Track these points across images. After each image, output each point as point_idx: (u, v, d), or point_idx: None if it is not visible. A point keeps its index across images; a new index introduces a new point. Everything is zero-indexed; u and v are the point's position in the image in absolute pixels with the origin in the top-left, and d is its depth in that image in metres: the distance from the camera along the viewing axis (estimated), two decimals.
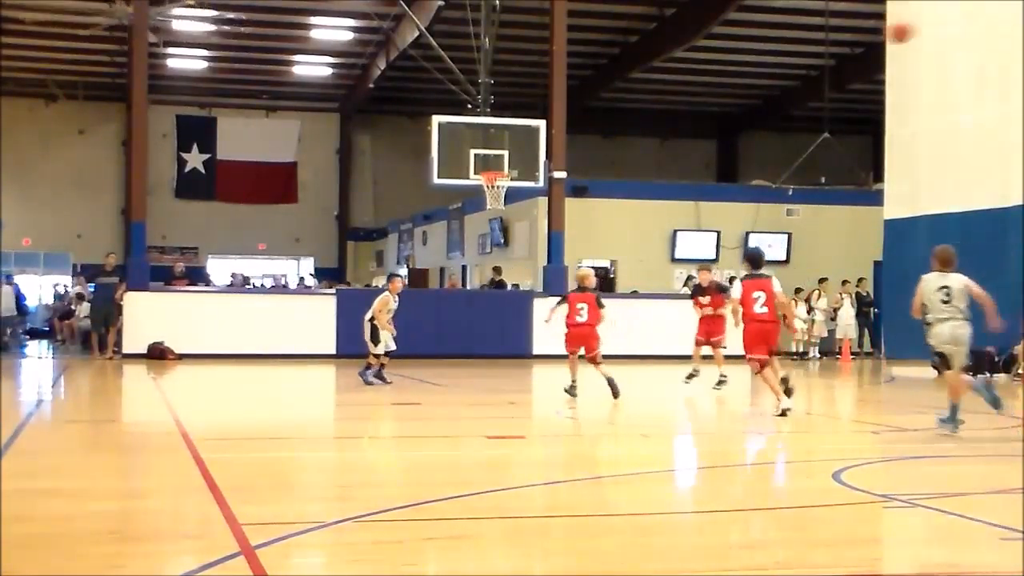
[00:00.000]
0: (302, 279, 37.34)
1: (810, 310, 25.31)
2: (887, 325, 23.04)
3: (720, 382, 15.20)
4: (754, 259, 12.68)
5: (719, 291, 16.06)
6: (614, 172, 34.89)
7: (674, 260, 28.16)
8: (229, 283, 30.93)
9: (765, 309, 11.93)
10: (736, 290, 12.42)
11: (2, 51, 30.07)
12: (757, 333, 12.00)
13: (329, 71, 35.71)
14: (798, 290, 25.14)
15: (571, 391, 13.61)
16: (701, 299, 16.23)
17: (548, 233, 24.11)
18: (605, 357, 13.43)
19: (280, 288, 32.23)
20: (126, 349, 21.42)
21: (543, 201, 24.93)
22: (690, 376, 15.58)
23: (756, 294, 11.96)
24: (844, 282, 25.74)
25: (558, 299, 14.32)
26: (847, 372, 20.79)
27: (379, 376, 15.06)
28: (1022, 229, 18.61)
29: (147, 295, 21.94)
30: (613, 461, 9.00)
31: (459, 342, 21.94)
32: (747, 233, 28.80)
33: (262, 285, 33.64)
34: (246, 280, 32.29)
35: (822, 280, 23.90)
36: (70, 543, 5.26)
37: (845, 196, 28.96)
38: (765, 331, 11.98)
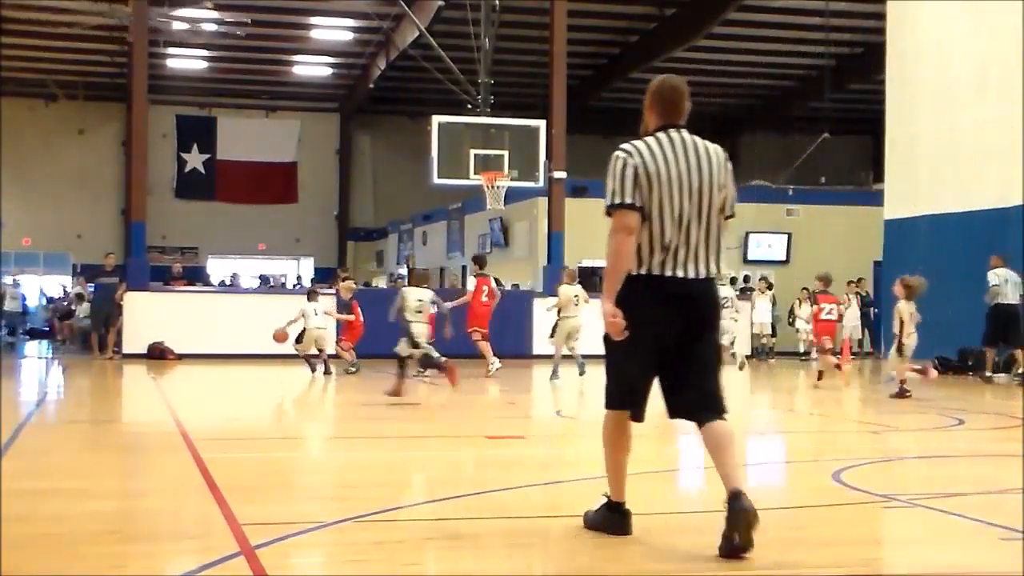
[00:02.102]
0: (299, 279, 37.32)
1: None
2: (887, 325, 23.05)
3: None
4: (480, 260, 18.65)
5: None
6: None
7: None
8: (228, 283, 30.92)
9: (487, 299, 17.70)
10: (471, 284, 18.22)
11: (2, 51, 30.08)
12: (481, 315, 17.64)
13: (329, 71, 35.73)
14: (804, 290, 25.12)
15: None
16: None
17: (548, 233, 24.11)
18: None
19: (280, 288, 32.22)
20: (126, 349, 21.43)
21: (543, 201, 24.93)
22: None
23: (484, 287, 17.74)
24: (849, 282, 25.71)
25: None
26: (847, 372, 20.76)
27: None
28: (1022, 229, 18.62)
29: (147, 295, 21.95)
30: None
31: (459, 342, 21.88)
32: (747, 233, 28.82)
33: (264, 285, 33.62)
34: (233, 280, 32.14)
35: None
36: (70, 543, 5.26)
37: (845, 196, 28.97)
38: (484, 314, 17.64)
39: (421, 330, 13.35)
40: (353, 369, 17.67)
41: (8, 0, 26.75)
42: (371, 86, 35.02)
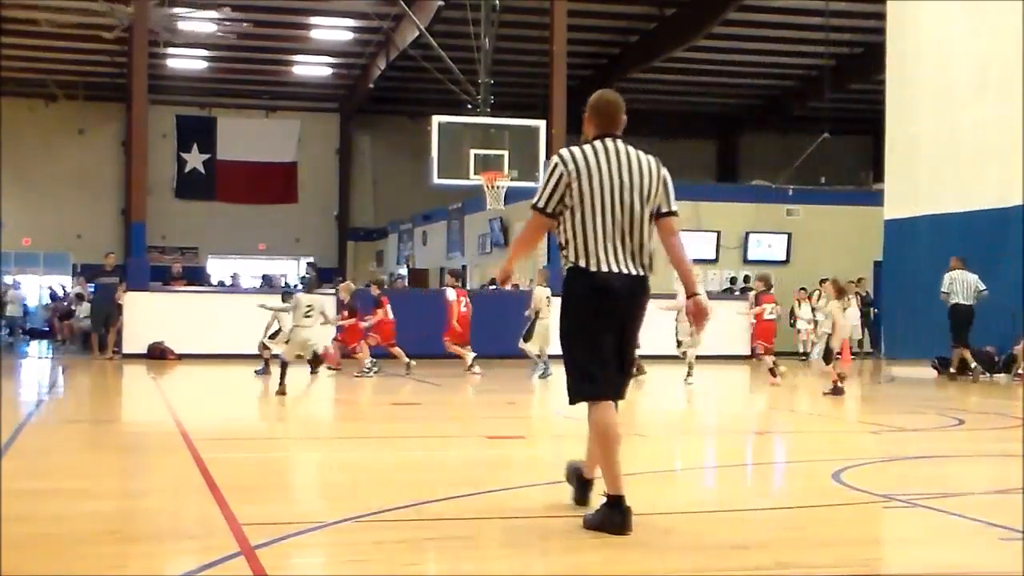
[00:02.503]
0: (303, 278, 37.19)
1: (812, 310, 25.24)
2: (887, 325, 23.05)
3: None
4: (456, 274, 19.85)
5: None
6: None
7: None
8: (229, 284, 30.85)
9: (465, 309, 18.43)
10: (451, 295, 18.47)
11: (2, 51, 30.08)
12: (464, 326, 18.32)
13: (329, 71, 35.73)
14: (803, 289, 25.13)
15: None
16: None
17: (548, 233, 24.09)
18: None
19: (280, 288, 32.16)
20: (126, 349, 21.43)
21: None
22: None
23: (462, 298, 18.51)
24: (849, 282, 25.68)
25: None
26: (847, 372, 20.76)
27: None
28: (1022, 229, 18.62)
29: (147, 295, 21.95)
30: None
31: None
32: (747, 233, 28.82)
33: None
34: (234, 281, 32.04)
35: (823, 281, 23.86)
36: (70, 543, 5.26)
37: (845, 196, 28.97)
38: (466, 325, 18.35)
39: (308, 334, 14.22)
40: (367, 370, 17.27)
41: (8, 0, 26.76)
42: (371, 86, 35.02)
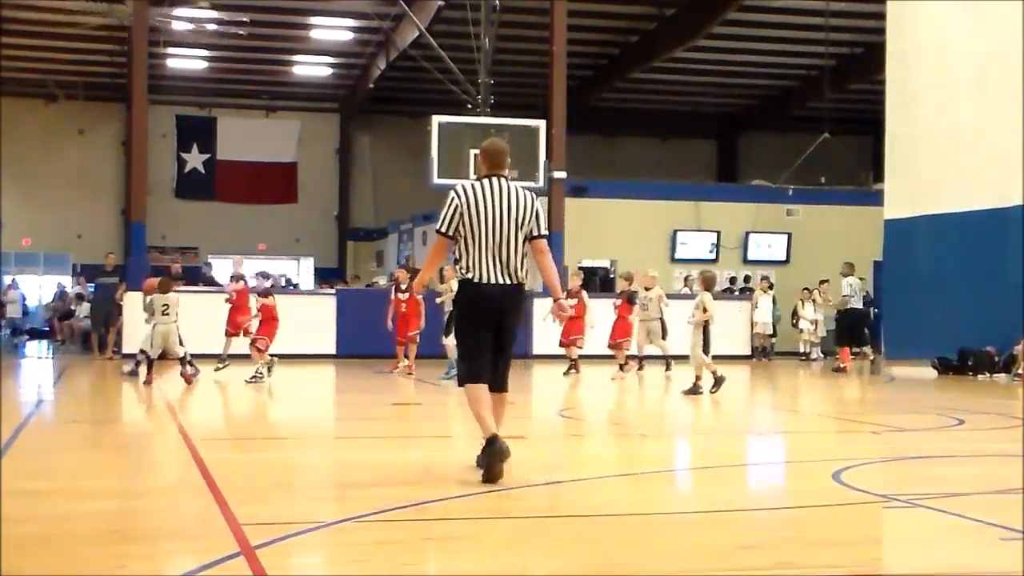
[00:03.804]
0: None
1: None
2: (887, 325, 23.05)
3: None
4: (410, 269, 19.37)
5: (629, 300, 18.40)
6: (614, 172, 34.88)
7: (674, 260, 28.16)
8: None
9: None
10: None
11: (2, 51, 30.07)
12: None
13: (329, 71, 35.71)
14: (805, 289, 25.11)
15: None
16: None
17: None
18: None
19: (280, 288, 32.21)
20: (126, 349, 21.41)
21: (543, 201, 24.91)
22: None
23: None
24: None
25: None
26: (847, 372, 20.77)
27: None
28: (1022, 229, 18.63)
29: None
30: (613, 461, 9.01)
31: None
32: (747, 233, 28.82)
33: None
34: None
35: (823, 281, 23.92)
36: (70, 543, 5.26)
37: (845, 196, 28.96)
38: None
39: (163, 331, 15.39)
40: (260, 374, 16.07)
41: (8, 0, 26.75)
42: (371, 86, 34.99)
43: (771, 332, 24.81)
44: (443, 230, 7.31)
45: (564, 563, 5.14)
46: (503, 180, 7.31)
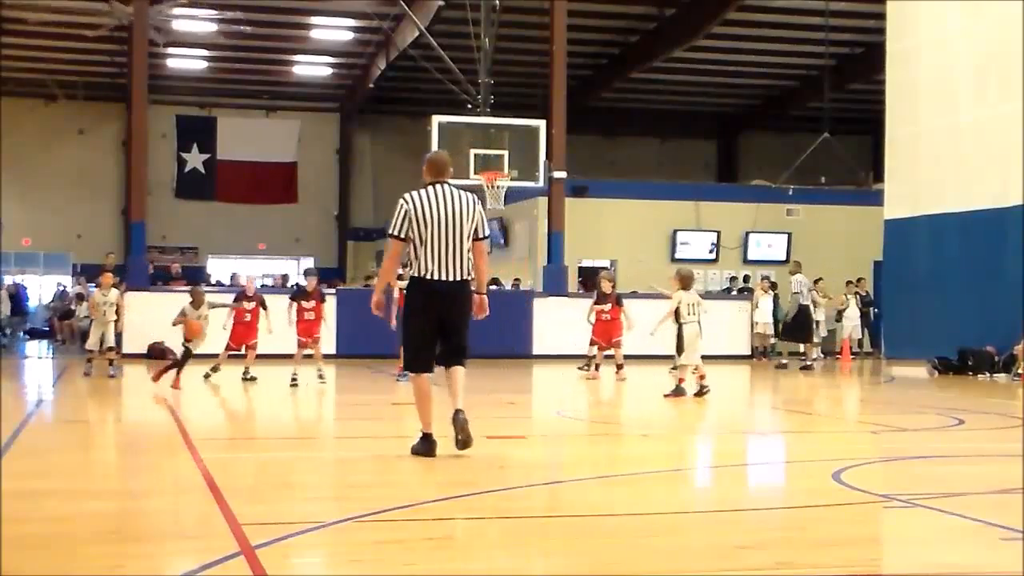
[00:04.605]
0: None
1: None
2: (887, 325, 23.06)
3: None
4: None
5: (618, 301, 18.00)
6: (614, 172, 34.90)
7: (674, 260, 28.14)
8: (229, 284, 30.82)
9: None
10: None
11: (2, 51, 30.07)
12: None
13: (329, 71, 35.71)
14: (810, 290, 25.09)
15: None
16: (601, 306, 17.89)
17: (548, 233, 24.11)
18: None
19: (280, 288, 32.21)
20: (126, 349, 21.40)
21: (543, 201, 24.93)
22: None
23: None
24: (848, 282, 25.67)
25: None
26: (847, 372, 20.80)
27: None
28: (1022, 229, 18.63)
29: (147, 295, 21.92)
30: (613, 461, 9.00)
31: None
32: (747, 233, 28.82)
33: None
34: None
35: (817, 280, 23.88)
36: (70, 543, 5.26)
37: (845, 196, 28.96)
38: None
39: (102, 328, 16.80)
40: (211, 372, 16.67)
41: (8, 0, 26.75)
42: (371, 86, 35.00)
43: (772, 332, 24.78)
44: (396, 234, 7.93)
45: (564, 563, 5.13)
46: (447, 186, 8.01)
